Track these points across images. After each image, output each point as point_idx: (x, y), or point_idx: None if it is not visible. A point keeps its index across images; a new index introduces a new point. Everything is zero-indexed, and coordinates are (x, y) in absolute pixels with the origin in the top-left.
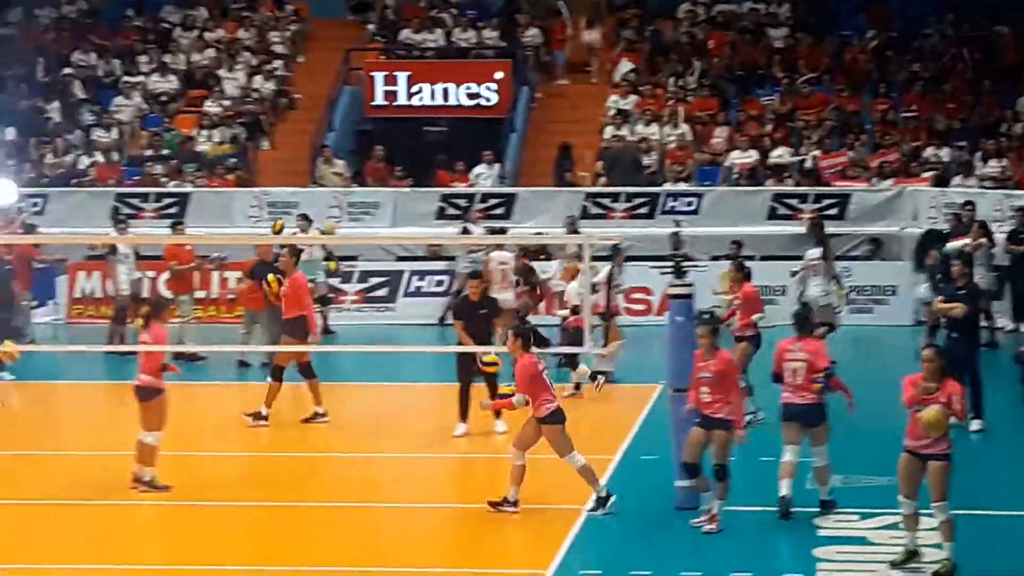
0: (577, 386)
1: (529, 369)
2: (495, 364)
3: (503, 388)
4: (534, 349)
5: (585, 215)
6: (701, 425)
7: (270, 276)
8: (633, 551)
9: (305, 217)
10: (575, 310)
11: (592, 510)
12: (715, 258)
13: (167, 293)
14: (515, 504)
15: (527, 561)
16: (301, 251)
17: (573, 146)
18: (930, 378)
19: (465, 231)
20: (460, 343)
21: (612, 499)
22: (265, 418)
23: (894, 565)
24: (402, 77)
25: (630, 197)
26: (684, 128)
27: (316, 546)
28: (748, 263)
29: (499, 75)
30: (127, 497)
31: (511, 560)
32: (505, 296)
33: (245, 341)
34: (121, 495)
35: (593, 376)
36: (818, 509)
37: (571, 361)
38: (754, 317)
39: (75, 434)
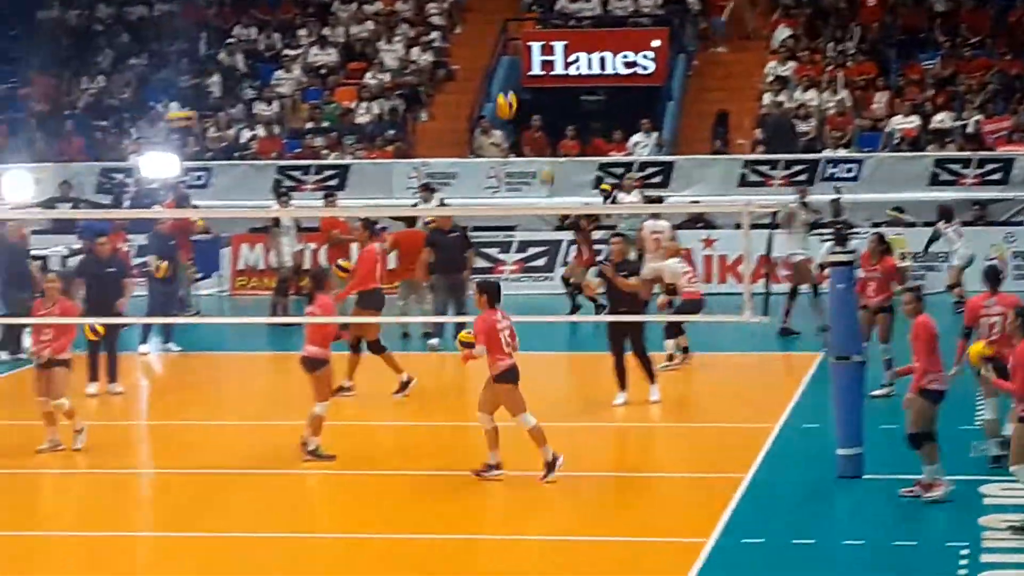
0: (671, 357)
1: (486, 324)
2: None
3: (465, 335)
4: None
5: (743, 182)
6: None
7: (340, 261)
8: (795, 520)
9: (427, 187)
10: (670, 289)
11: (543, 476)
12: (876, 225)
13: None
14: (498, 467)
15: (688, 530)
16: (375, 223)
17: (730, 113)
18: None
19: (612, 200)
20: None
21: (559, 461)
22: (349, 389)
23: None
24: (559, 46)
25: (789, 164)
26: (844, 94)
27: (474, 515)
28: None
29: (656, 43)
30: (294, 466)
31: (672, 529)
32: (658, 265)
33: (403, 312)
34: (288, 464)
35: (685, 349)
36: (984, 476)
37: (672, 331)
38: (895, 289)
39: (242, 404)
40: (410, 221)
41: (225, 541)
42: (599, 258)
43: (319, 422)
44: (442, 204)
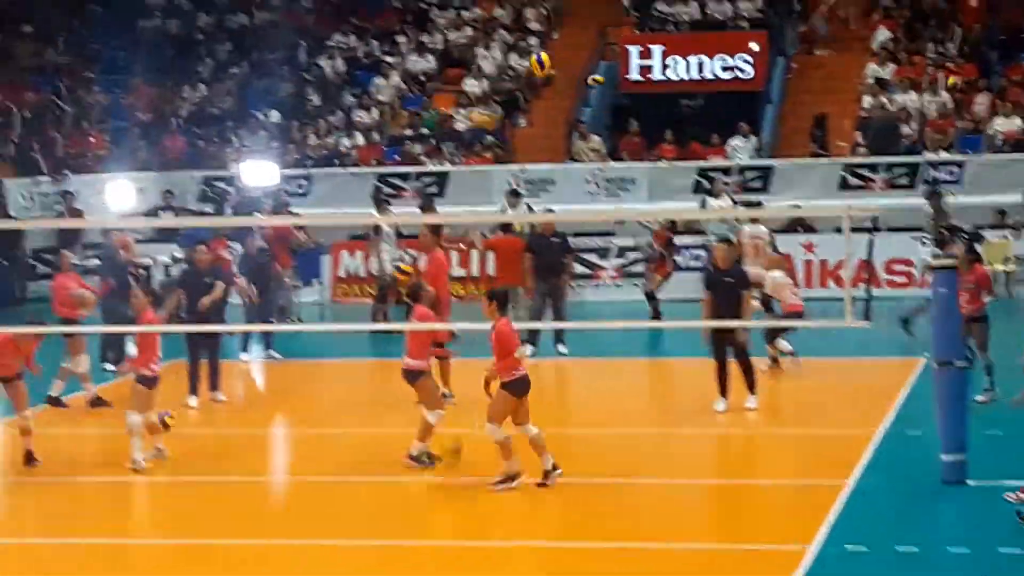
0: (775, 359)
1: (506, 333)
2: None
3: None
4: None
5: (844, 186)
6: None
7: (402, 265)
8: (898, 527)
9: (514, 193)
10: (766, 298)
11: (497, 482)
12: (978, 228)
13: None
14: (516, 477)
15: (790, 537)
16: (441, 228)
17: (828, 116)
18: None
19: (703, 204)
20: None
21: (521, 478)
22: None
23: None
24: (657, 51)
25: (890, 167)
26: (944, 96)
27: (577, 522)
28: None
29: (754, 46)
30: (400, 473)
31: (774, 535)
32: (757, 271)
33: None
34: (394, 471)
35: (774, 359)
36: None
37: (772, 336)
38: (986, 299)
39: (343, 412)
40: (507, 227)
41: (327, 548)
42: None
43: (429, 430)
44: (529, 209)
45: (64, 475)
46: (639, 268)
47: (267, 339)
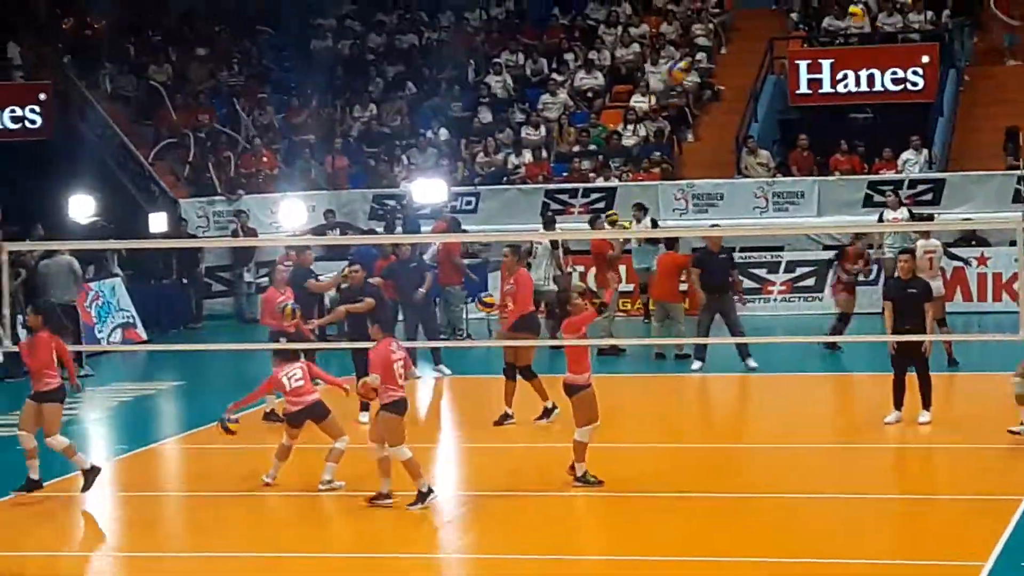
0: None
1: (380, 356)
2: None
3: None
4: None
5: (1017, 199)
6: None
7: (486, 296)
8: None
9: (640, 207)
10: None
11: (412, 504)
12: None
13: (593, 286)
14: (388, 496)
15: (965, 553)
16: (519, 247)
17: (1021, 129)
18: None
19: (881, 218)
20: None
21: (433, 495)
22: (510, 416)
23: None
24: (826, 64)
25: None
26: None
27: (744, 537)
28: None
29: (925, 59)
30: (564, 489)
31: (948, 552)
32: (934, 284)
33: (660, 333)
34: (557, 488)
35: None
36: None
37: None
38: None
39: (507, 427)
40: (670, 243)
41: (493, 562)
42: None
43: (582, 448)
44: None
45: (241, 490)
46: (810, 282)
47: (435, 355)
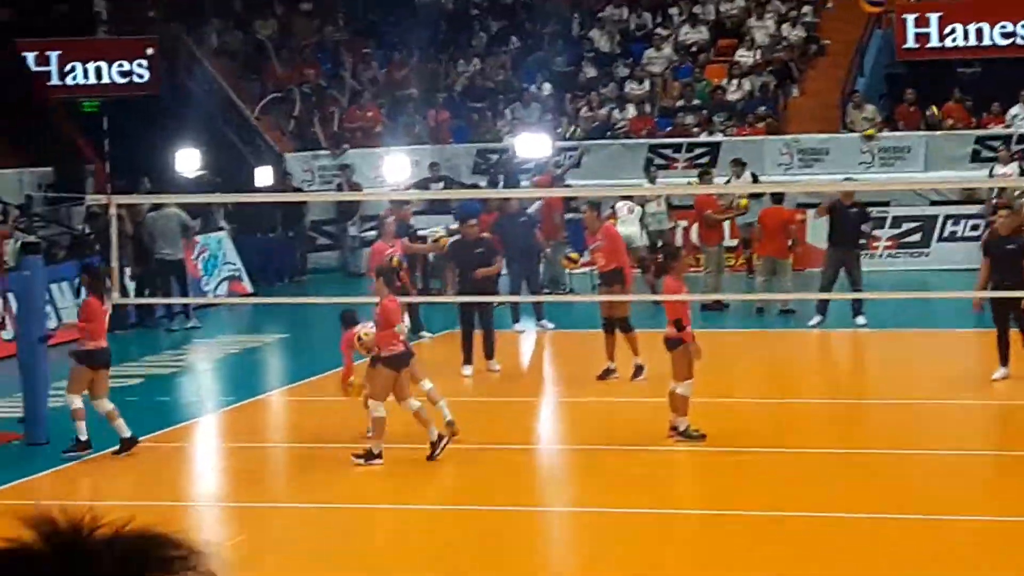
0: None
1: (390, 309)
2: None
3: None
4: None
5: None
6: None
7: (571, 253)
8: None
9: (738, 162)
10: None
11: (356, 456)
12: None
13: (697, 243)
14: (380, 456)
15: None
16: (599, 204)
17: None
18: None
19: (991, 172)
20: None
21: (379, 460)
22: (612, 371)
23: None
24: (934, 18)
25: None
26: None
27: (853, 493)
28: None
29: None
30: (664, 445)
31: None
32: None
33: (764, 289)
34: (659, 443)
35: None
36: None
37: None
38: None
39: (610, 381)
40: (776, 197)
41: (589, 516)
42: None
43: (683, 401)
44: (754, 178)
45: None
46: (916, 238)
47: (538, 310)
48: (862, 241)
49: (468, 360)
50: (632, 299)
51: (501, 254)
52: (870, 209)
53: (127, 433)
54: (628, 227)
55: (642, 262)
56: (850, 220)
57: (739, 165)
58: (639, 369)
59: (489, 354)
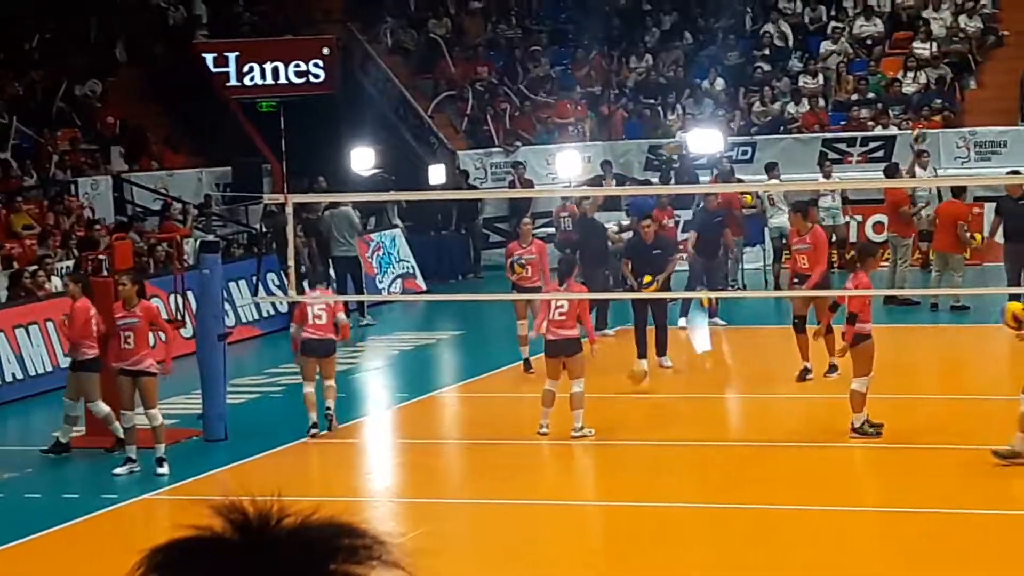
0: None
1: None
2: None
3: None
4: None
5: None
6: None
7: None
8: None
9: (922, 153)
10: None
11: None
12: None
13: (878, 237)
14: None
15: None
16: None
17: None
18: None
19: None
20: None
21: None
22: (809, 371)
23: None
24: None
25: None
26: None
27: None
28: None
29: None
30: (843, 441)
31: None
32: None
33: (937, 283)
34: (837, 438)
35: None
36: None
37: None
38: None
39: (783, 378)
40: (956, 191)
41: (766, 513)
42: None
43: (860, 398)
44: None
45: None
46: None
47: (711, 307)
48: None
49: (642, 355)
50: (821, 294)
51: (677, 251)
52: None
53: (120, 434)
54: (779, 217)
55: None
56: (1020, 212)
57: (923, 156)
58: (832, 367)
59: (662, 351)
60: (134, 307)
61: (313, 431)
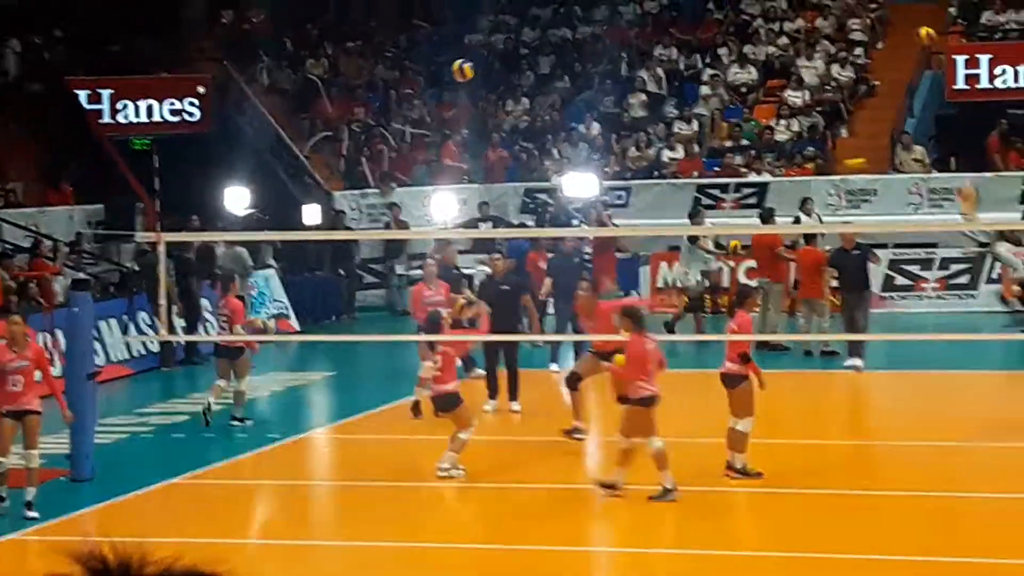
0: None
1: (636, 349)
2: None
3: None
4: None
5: None
6: None
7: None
8: None
9: (808, 201)
10: None
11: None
12: None
13: (751, 283)
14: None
15: None
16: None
17: None
18: None
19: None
20: None
21: (675, 493)
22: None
23: None
24: (984, 60)
25: None
26: None
27: (898, 534)
28: None
29: None
30: (720, 484)
31: None
32: None
33: (805, 329)
34: (713, 481)
35: None
36: None
37: None
38: None
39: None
40: (809, 238)
41: (643, 557)
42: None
43: (742, 439)
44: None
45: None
46: (964, 280)
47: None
48: (868, 283)
49: (492, 395)
50: (702, 339)
51: (528, 292)
52: (875, 250)
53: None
54: (680, 266)
55: (691, 301)
56: (853, 264)
57: (808, 204)
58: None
59: (513, 395)
60: (24, 349)
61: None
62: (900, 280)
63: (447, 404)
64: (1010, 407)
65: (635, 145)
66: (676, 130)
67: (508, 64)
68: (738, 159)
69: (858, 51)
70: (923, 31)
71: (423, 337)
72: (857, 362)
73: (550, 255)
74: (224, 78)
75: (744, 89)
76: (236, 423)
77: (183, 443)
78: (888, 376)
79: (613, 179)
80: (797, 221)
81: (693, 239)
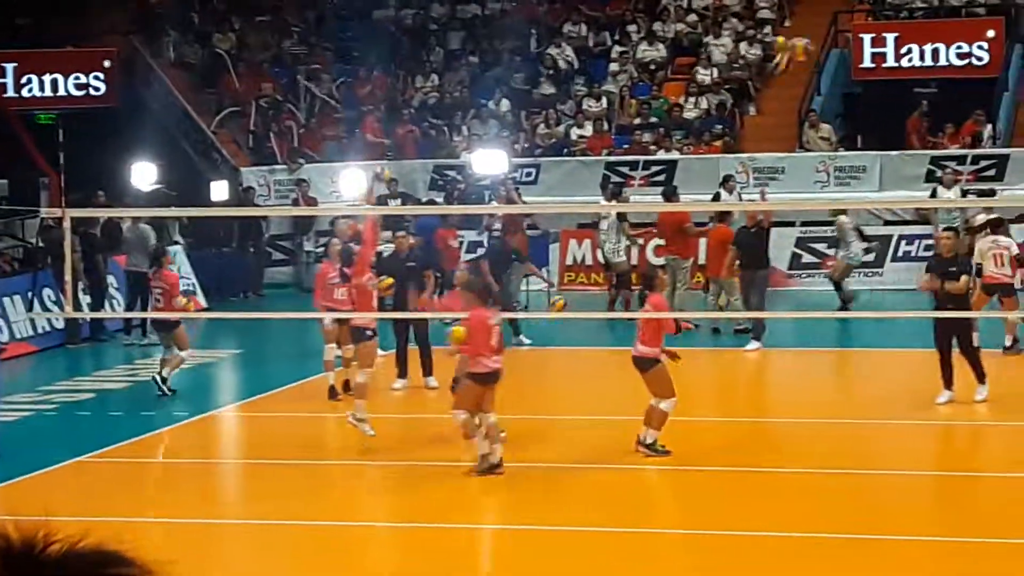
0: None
1: (477, 321)
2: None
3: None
4: None
5: None
6: None
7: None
8: None
9: (729, 179)
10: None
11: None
12: None
13: (658, 261)
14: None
15: (1017, 531)
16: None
17: None
18: None
19: (933, 193)
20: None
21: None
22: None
23: None
24: (890, 38)
25: None
26: None
27: (809, 512)
28: None
29: (991, 33)
30: (630, 461)
31: (998, 530)
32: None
33: (715, 308)
34: (625, 460)
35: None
36: None
37: None
38: None
39: (575, 399)
40: (721, 217)
41: (558, 535)
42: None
43: (662, 417)
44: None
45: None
46: (869, 258)
47: (514, 326)
48: (767, 262)
49: (402, 374)
50: (621, 316)
51: (433, 268)
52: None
53: None
54: (607, 243)
55: (618, 278)
56: (750, 241)
57: (729, 181)
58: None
59: (427, 370)
60: None
61: None
62: (807, 258)
63: (357, 337)
64: (916, 384)
65: (544, 122)
66: (585, 107)
67: (417, 40)
68: (647, 137)
69: (767, 29)
70: (799, 45)
71: (330, 314)
72: (753, 345)
73: (461, 233)
74: (131, 52)
75: (653, 67)
76: (158, 383)
77: (89, 421)
78: (796, 353)
79: (522, 156)
80: (716, 198)
81: (622, 216)
